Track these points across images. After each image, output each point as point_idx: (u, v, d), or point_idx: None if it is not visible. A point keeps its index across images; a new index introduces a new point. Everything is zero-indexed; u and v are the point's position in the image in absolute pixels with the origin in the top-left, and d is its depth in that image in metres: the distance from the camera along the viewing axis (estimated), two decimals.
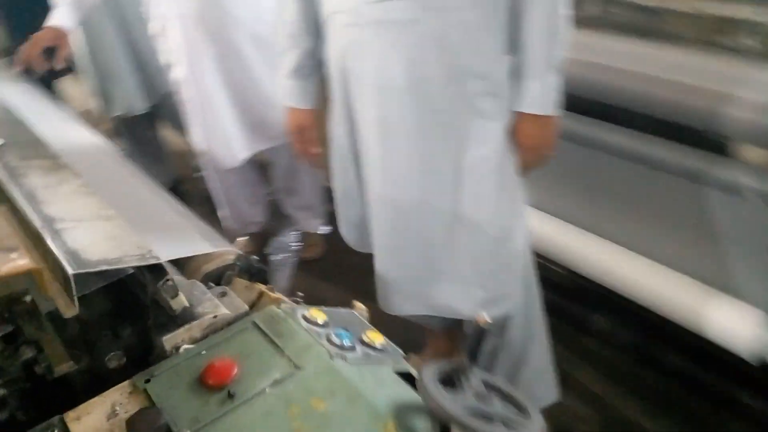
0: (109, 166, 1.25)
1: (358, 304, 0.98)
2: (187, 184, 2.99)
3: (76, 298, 0.69)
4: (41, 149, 1.06)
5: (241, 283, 0.90)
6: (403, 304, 1.46)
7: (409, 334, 1.82)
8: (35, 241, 0.76)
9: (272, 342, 0.76)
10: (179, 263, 0.97)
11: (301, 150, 1.54)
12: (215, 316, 0.79)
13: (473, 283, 1.38)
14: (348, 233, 1.56)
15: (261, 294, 0.91)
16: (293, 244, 2.63)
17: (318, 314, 0.83)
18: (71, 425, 0.68)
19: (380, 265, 1.43)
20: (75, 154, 1.26)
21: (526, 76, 1.21)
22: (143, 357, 0.80)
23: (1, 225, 0.76)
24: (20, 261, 0.68)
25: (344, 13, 1.23)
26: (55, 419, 0.68)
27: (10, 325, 0.75)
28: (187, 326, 0.78)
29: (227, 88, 2.04)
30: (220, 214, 2.51)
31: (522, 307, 1.47)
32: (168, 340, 0.76)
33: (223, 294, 0.85)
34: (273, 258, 2.70)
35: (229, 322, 0.81)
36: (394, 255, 1.40)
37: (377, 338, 0.83)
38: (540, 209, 1.93)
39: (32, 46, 1.87)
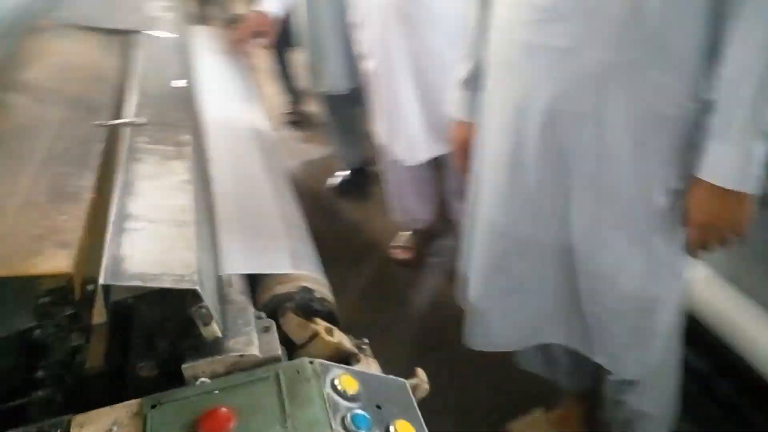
0: (247, 160, 1.27)
1: (420, 373, 0.85)
2: (374, 167, 3.05)
3: (106, 308, 0.69)
4: (180, 133, 1.10)
5: (294, 319, 0.84)
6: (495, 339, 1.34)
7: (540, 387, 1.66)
8: (100, 237, 0.77)
9: (282, 405, 0.69)
10: (256, 277, 0.94)
11: (462, 165, 1.44)
12: (242, 356, 0.74)
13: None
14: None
15: (315, 335, 0.84)
16: (453, 249, 2.53)
17: (350, 384, 0.73)
18: (75, 427, 0.68)
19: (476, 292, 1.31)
20: (222, 140, 1.31)
21: (719, 137, 0.94)
22: (177, 373, 0.78)
23: (76, 215, 0.79)
24: (58, 262, 0.69)
25: (499, 31, 1.08)
26: (65, 420, 0.69)
27: (72, 306, 0.78)
28: (210, 359, 0.74)
29: (417, 87, 1.99)
30: (389, 205, 2.53)
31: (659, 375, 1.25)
32: (187, 369, 0.73)
33: (266, 329, 0.80)
34: (431, 260, 2.64)
35: (256, 364, 0.75)
36: (493, 284, 1.28)
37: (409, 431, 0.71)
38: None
39: (240, 32, 2.00)
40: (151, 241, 0.78)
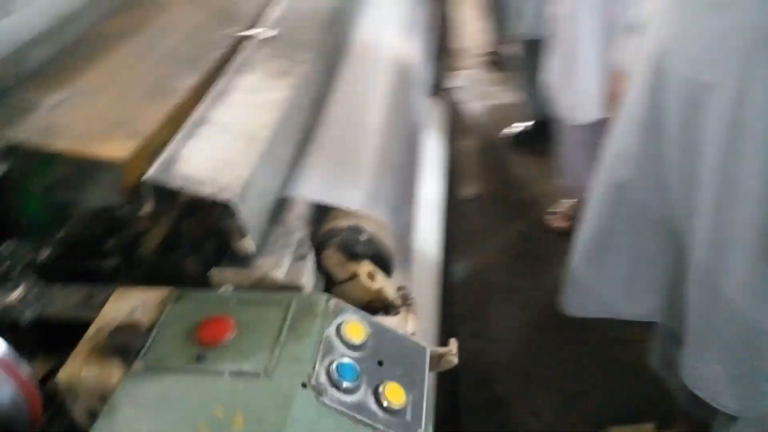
0: (374, 92, 1.25)
1: (453, 344, 0.80)
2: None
3: (150, 202, 0.75)
4: (303, 51, 1.11)
5: (334, 255, 0.83)
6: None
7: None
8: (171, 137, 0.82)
9: (280, 332, 0.69)
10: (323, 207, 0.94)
11: None
12: (265, 275, 0.75)
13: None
14: None
15: (354, 276, 0.82)
16: None
17: (356, 331, 0.71)
18: (113, 298, 0.76)
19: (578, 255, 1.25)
20: (359, 67, 1.30)
21: None
22: None
23: (159, 112, 0.85)
24: (117, 150, 0.75)
25: None
26: (110, 289, 0.78)
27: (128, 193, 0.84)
28: (236, 270, 0.76)
29: (602, 40, 1.80)
30: (559, 167, 2.37)
31: None
32: (215, 274, 0.76)
33: (302, 257, 0.79)
34: None
35: (277, 287, 0.76)
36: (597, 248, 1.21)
37: (396, 398, 0.67)
38: None
39: None
40: (215, 150, 0.81)
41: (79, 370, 0.67)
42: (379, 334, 0.74)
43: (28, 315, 0.75)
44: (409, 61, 1.48)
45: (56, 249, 0.83)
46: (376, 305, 0.86)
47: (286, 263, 0.78)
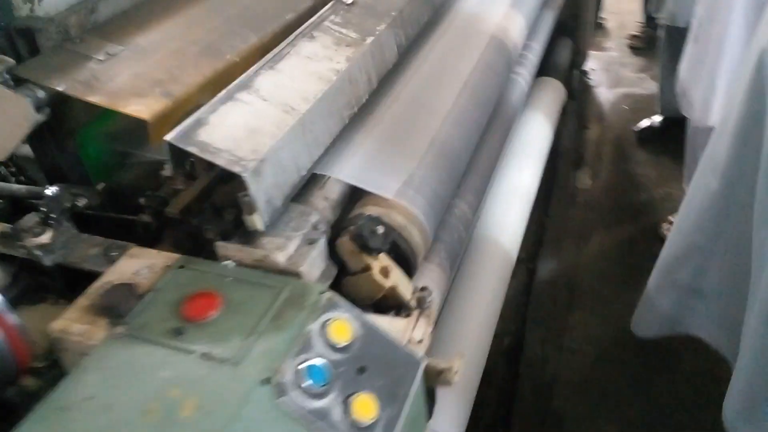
0: (453, 71, 1.16)
1: (457, 361, 0.73)
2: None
3: (170, 161, 0.74)
4: (380, 22, 1.05)
5: (348, 245, 0.78)
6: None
7: None
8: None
9: (263, 318, 0.66)
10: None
11: None
12: (266, 256, 0.72)
13: None
14: None
15: (366, 268, 0.78)
16: None
17: (342, 332, 0.67)
18: (126, 256, 0.77)
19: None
20: (447, 44, 1.21)
21: None
22: None
23: (203, 72, 0.83)
24: (143, 108, 0.74)
25: None
26: (124, 246, 0.79)
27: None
28: (240, 247, 0.74)
29: (739, 46, 1.58)
30: (685, 172, 2.15)
31: None
32: (220, 247, 0.75)
33: (311, 242, 0.76)
34: None
35: (277, 270, 0.73)
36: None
37: (367, 412, 0.62)
38: None
39: None
40: (246, 117, 0.78)
41: (70, 323, 0.68)
42: (369, 337, 0.69)
43: (49, 259, 0.78)
44: (509, 38, 1.37)
45: (93, 199, 0.86)
46: (388, 303, 0.80)
47: (293, 246, 0.75)
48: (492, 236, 1.66)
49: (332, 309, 0.69)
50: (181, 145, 0.72)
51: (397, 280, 0.80)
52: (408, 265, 0.84)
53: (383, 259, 0.80)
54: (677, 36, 2.31)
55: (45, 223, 0.80)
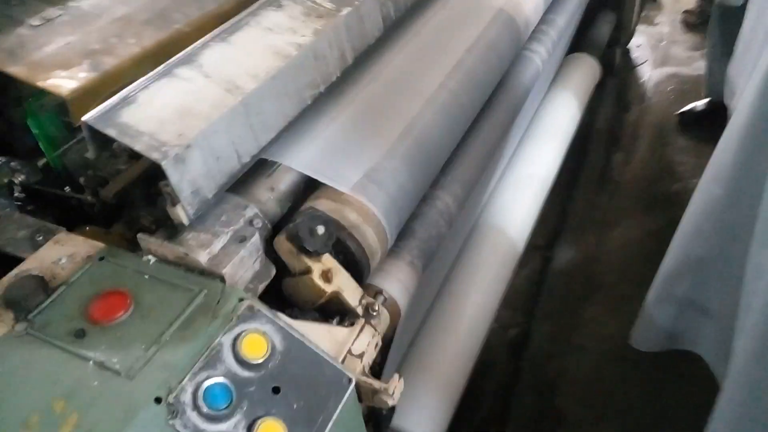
0: (458, 51, 1.05)
1: (394, 382, 0.66)
2: None
3: (90, 145, 0.67)
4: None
5: (285, 244, 0.70)
6: None
7: None
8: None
9: (169, 325, 0.60)
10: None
11: None
12: (186, 255, 0.65)
13: None
14: None
15: (307, 271, 0.70)
16: None
17: (255, 347, 0.59)
18: (51, 242, 0.72)
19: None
20: (435, 17, 1.10)
21: None
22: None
23: (142, 44, 0.76)
24: (62, 81, 0.67)
25: None
26: (53, 230, 0.73)
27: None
28: (161, 242, 0.67)
29: None
30: None
31: None
32: (142, 240, 0.68)
33: (241, 240, 0.68)
34: None
35: (197, 271, 0.66)
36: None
37: None
38: None
39: None
40: (181, 97, 0.71)
41: None
42: (291, 353, 0.62)
43: None
44: (520, 13, 1.24)
45: (32, 175, 0.80)
46: (333, 308, 0.73)
47: (218, 244, 0.67)
48: (497, 223, 1.56)
49: (250, 320, 0.62)
50: (98, 127, 0.65)
51: (341, 284, 0.72)
52: (358, 269, 0.75)
53: (327, 261, 0.72)
54: (730, 15, 2.11)
55: None
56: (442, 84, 0.99)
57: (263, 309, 0.63)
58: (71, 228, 0.75)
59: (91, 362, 0.57)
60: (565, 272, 1.96)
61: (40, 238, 0.73)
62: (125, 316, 0.61)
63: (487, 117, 1.16)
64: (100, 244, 0.70)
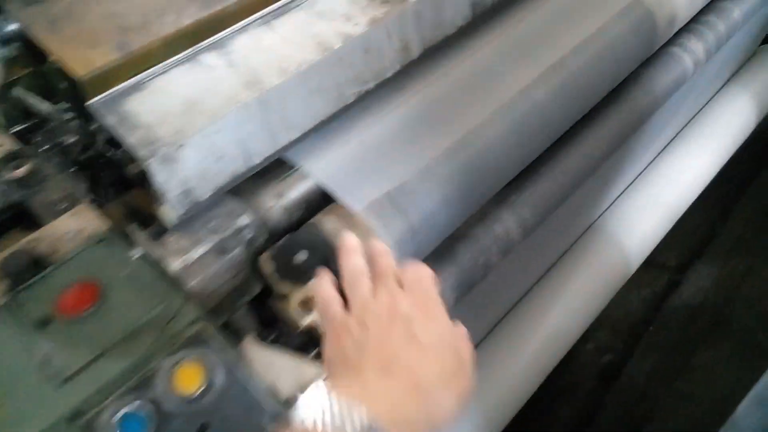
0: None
1: None
2: None
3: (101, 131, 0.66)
4: None
5: (267, 263, 0.64)
6: None
7: None
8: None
9: (120, 334, 0.58)
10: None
11: None
12: (162, 258, 0.62)
13: None
14: None
15: (284, 297, 0.64)
16: None
17: (189, 378, 0.56)
18: (72, 212, 0.72)
19: None
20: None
21: None
22: None
23: (176, 24, 0.71)
24: (88, 58, 0.65)
25: None
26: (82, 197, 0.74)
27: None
28: (146, 238, 0.65)
29: None
30: None
31: None
32: (131, 231, 0.66)
33: (222, 251, 0.64)
34: None
35: (171, 278, 0.63)
36: None
37: None
38: None
39: None
40: (196, 87, 0.66)
41: None
42: (229, 391, 0.57)
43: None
44: (664, 5, 1.01)
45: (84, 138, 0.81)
46: (305, 341, 0.67)
47: (196, 252, 0.64)
48: (610, 231, 1.38)
49: (197, 345, 0.57)
50: (101, 111, 0.63)
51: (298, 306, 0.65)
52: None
53: (310, 288, 0.65)
54: None
55: (21, 156, 0.78)
56: (527, 89, 0.84)
57: (216, 336, 0.58)
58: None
59: (35, 358, 0.57)
60: (692, 303, 1.69)
61: (64, 206, 0.74)
62: (87, 313, 0.60)
63: (593, 128, 0.98)
64: (106, 225, 0.70)
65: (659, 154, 1.55)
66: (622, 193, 1.48)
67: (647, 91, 1.04)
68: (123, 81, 0.66)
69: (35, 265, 0.65)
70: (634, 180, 1.51)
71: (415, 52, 0.81)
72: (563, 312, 1.28)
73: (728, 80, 1.69)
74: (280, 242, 0.64)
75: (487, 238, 0.86)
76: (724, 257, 1.81)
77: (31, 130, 0.84)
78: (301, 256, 0.62)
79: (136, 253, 0.65)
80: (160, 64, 0.68)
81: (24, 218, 0.75)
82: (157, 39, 0.69)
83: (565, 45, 0.89)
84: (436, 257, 0.82)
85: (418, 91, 0.81)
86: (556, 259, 1.35)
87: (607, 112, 0.98)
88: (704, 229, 1.85)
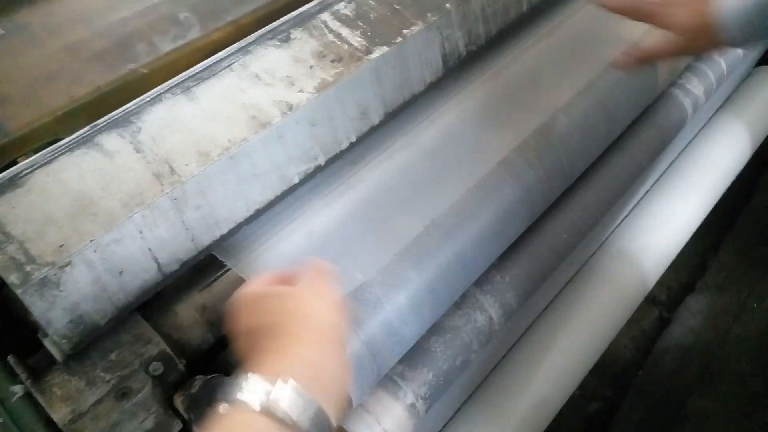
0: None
1: None
2: None
3: None
4: (412, 11, 0.69)
5: (183, 407, 0.51)
6: None
7: None
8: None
9: None
10: None
11: None
12: (45, 404, 0.49)
13: None
14: None
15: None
16: None
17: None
18: None
19: None
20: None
21: None
22: None
23: (75, 89, 0.57)
24: None
25: None
26: None
27: None
28: (26, 377, 0.51)
29: None
30: None
31: None
32: (14, 363, 0.52)
33: (122, 395, 0.50)
34: None
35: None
36: None
37: None
38: None
39: None
40: (90, 182, 0.52)
41: None
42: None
43: None
44: None
45: None
46: None
47: (88, 400, 0.50)
48: (611, 265, 1.26)
49: None
50: None
51: None
52: None
53: None
54: None
55: None
56: (506, 159, 0.71)
57: None
58: None
59: None
60: (684, 343, 1.58)
61: None
62: None
63: (582, 196, 0.86)
64: None
65: (648, 191, 1.44)
66: (610, 234, 1.36)
67: (643, 141, 0.93)
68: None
69: None
70: (621, 221, 1.39)
71: (376, 117, 0.68)
72: (560, 363, 1.15)
73: (722, 105, 1.58)
74: (194, 389, 0.51)
75: (468, 329, 0.73)
76: (716, 292, 1.70)
77: None
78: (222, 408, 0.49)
79: (17, 391, 0.52)
80: (44, 151, 0.54)
81: None
82: (44, 116, 0.55)
83: (551, 102, 0.77)
84: (407, 359, 0.69)
85: (378, 163, 0.68)
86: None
87: (595, 178, 0.86)
88: (695, 261, 1.75)
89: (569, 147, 0.77)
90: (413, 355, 0.70)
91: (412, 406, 0.68)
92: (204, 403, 0.50)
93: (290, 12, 0.67)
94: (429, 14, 0.70)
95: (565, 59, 0.80)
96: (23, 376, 0.51)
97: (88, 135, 0.55)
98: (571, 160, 0.77)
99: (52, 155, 0.53)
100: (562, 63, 0.79)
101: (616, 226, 1.36)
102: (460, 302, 0.75)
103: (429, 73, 0.72)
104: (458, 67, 0.76)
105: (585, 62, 0.80)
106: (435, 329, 0.72)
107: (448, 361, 0.71)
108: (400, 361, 0.69)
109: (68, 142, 0.54)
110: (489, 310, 0.75)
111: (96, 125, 0.56)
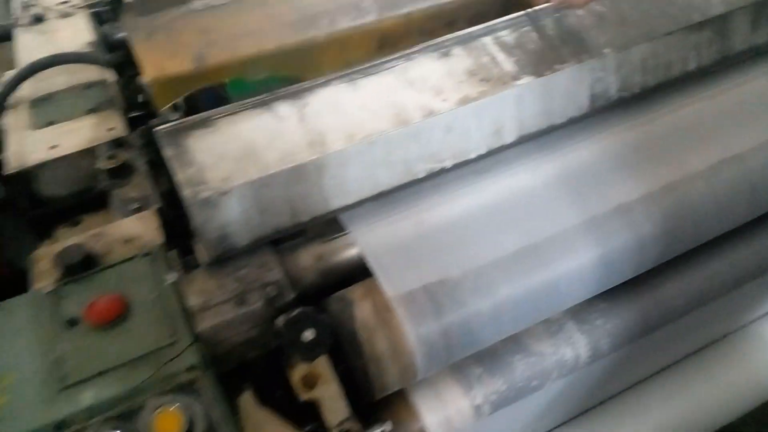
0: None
1: None
2: None
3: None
4: (569, 50, 0.74)
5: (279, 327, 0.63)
6: None
7: None
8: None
9: (127, 359, 0.60)
10: None
11: None
12: (185, 295, 0.64)
13: None
14: None
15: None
16: None
17: (168, 423, 0.57)
18: (140, 216, 0.77)
19: None
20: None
21: None
22: None
23: (264, 43, 0.71)
24: (161, 69, 0.68)
25: None
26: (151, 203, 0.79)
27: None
28: (179, 269, 0.67)
29: None
30: None
31: None
32: (171, 258, 0.68)
33: (241, 302, 0.64)
34: None
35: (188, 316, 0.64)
36: None
37: None
38: None
39: None
40: (259, 136, 0.66)
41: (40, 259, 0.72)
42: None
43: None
44: None
45: None
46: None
47: (217, 298, 0.64)
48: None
49: (186, 393, 0.58)
50: (163, 142, 0.66)
51: (324, 396, 0.63)
52: (358, 389, 0.65)
53: (318, 366, 0.63)
54: None
55: (124, 144, 0.84)
56: (644, 198, 0.74)
57: (209, 389, 0.59)
58: None
59: (51, 357, 0.61)
60: None
61: (135, 206, 0.79)
62: (108, 327, 0.63)
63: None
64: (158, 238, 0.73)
65: None
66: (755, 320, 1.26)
67: None
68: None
69: (87, 261, 0.69)
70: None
71: (509, 138, 0.75)
72: None
73: None
74: (293, 315, 0.62)
75: (552, 360, 0.78)
76: None
77: (142, 118, 0.91)
78: (308, 335, 0.60)
79: (170, 278, 0.67)
80: (234, 104, 0.69)
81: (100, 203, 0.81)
82: (237, 57, 0.71)
83: (693, 164, 0.77)
84: (486, 358, 0.76)
85: (501, 179, 0.75)
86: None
87: (729, 252, 0.84)
88: None
89: (700, 214, 0.77)
90: (496, 364, 0.77)
91: (479, 407, 0.75)
92: (299, 327, 0.61)
93: (458, 10, 0.76)
94: (585, 55, 0.75)
95: (719, 125, 0.79)
96: (177, 267, 0.66)
97: (267, 99, 0.69)
98: (698, 227, 0.77)
99: (237, 108, 0.68)
100: (716, 128, 0.79)
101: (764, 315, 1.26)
102: (555, 332, 0.79)
103: (573, 109, 0.77)
104: (606, 109, 0.80)
105: (739, 133, 0.78)
106: (523, 348, 0.78)
107: (524, 381, 0.77)
108: (482, 365, 0.76)
109: (253, 101, 0.69)
110: (579, 349, 0.79)
111: (276, 93, 0.70)
